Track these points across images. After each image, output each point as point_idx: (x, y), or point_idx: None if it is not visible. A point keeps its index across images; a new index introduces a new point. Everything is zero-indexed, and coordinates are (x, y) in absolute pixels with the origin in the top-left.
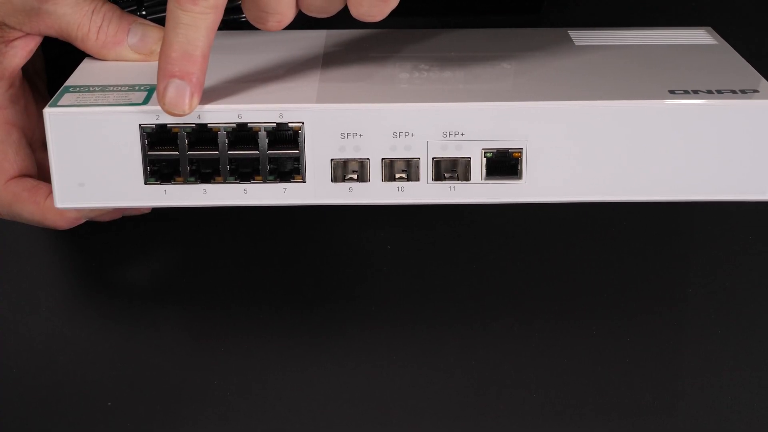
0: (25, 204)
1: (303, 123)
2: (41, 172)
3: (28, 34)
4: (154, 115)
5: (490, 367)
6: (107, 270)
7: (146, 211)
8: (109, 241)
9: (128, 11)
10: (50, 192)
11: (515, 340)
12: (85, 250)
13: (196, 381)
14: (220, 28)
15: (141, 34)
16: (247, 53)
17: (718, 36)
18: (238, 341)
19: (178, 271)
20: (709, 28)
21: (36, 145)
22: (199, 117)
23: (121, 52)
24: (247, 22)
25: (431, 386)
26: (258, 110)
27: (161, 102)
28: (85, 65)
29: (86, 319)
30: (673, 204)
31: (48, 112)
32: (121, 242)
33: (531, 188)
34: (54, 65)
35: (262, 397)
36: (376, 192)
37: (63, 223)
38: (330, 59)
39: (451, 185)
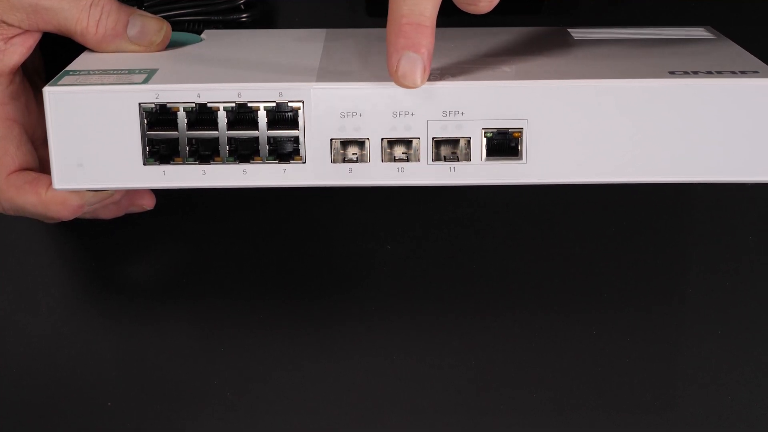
0: (27, 196)
1: (302, 102)
2: (43, 168)
3: (27, 30)
4: (153, 94)
5: (489, 366)
6: (107, 269)
7: (149, 208)
8: (109, 239)
9: None
10: (51, 182)
11: (515, 339)
12: (85, 249)
13: (196, 380)
14: (220, 28)
15: (140, 26)
16: (250, 45)
17: (717, 32)
18: (238, 340)
19: (178, 270)
20: (708, 27)
21: (38, 142)
22: (198, 96)
23: (120, 44)
24: (246, 21)
25: (431, 385)
26: (257, 89)
27: (394, 76)
28: (85, 56)
29: (86, 318)
30: (674, 201)
31: (48, 90)
32: (121, 241)
33: (531, 169)
34: (53, 64)
35: (262, 396)
36: (375, 173)
37: (66, 213)
38: (331, 48)
39: (451, 166)
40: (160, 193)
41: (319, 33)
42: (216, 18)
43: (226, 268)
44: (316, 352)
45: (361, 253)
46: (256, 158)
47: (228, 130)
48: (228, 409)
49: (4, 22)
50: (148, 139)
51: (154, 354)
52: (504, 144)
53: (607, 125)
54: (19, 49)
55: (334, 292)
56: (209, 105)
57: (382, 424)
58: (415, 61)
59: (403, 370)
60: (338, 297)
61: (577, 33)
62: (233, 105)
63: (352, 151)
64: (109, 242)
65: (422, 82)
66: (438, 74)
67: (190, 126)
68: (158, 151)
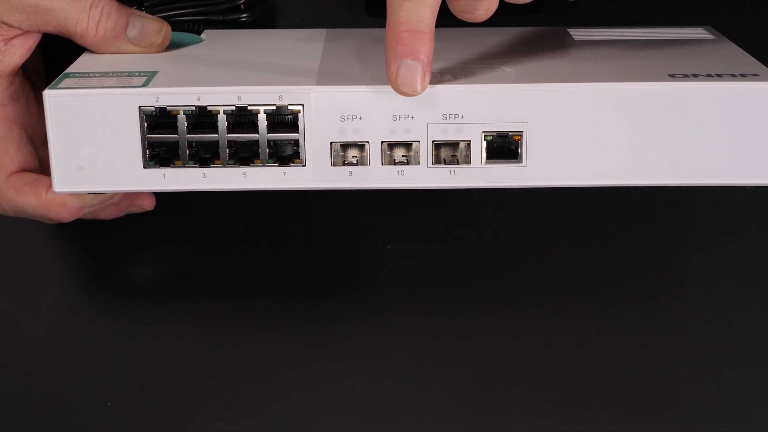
0: (27, 197)
1: (302, 105)
2: (43, 169)
3: (27, 31)
4: (153, 97)
5: (490, 366)
6: (107, 269)
7: (149, 209)
8: (109, 239)
9: None
10: (51, 184)
11: (515, 339)
12: (85, 249)
13: (196, 380)
14: (220, 28)
15: (140, 27)
16: (250, 46)
17: (717, 32)
18: (238, 340)
19: (178, 270)
20: (708, 27)
21: (38, 142)
22: (198, 99)
23: (120, 45)
24: (246, 21)
25: (432, 385)
26: (257, 92)
27: (393, 84)
28: (85, 57)
29: (86, 318)
30: (674, 202)
31: (48, 94)
32: (121, 241)
33: (531, 172)
34: (53, 65)
35: (262, 396)
36: (375, 176)
37: (66, 214)
38: (330, 49)
39: (451, 169)
40: (160, 194)
41: (319, 33)
42: (216, 18)
43: (226, 268)
44: (318, 352)
45: (363, 253)
46: (256, 161)
47: (228, 133)
48: (228, 409)
49: (4, 23)
50: (148, 142)
51: (154, 354)
52: (504, 147)
53: (607, 128)
54: (19, 50)
55: (336, 292)
56: (209, 108)
57: (383, 424)
58: (414, 69)
59: (404, 371)
60: (340, 297)
61: (577, 33)
62: (233, 108)
63: (352, 154)
64: (109, 242)
65: (422, 90)
66: (438, 75)
67: (190, 129)
68: (158, 154)
